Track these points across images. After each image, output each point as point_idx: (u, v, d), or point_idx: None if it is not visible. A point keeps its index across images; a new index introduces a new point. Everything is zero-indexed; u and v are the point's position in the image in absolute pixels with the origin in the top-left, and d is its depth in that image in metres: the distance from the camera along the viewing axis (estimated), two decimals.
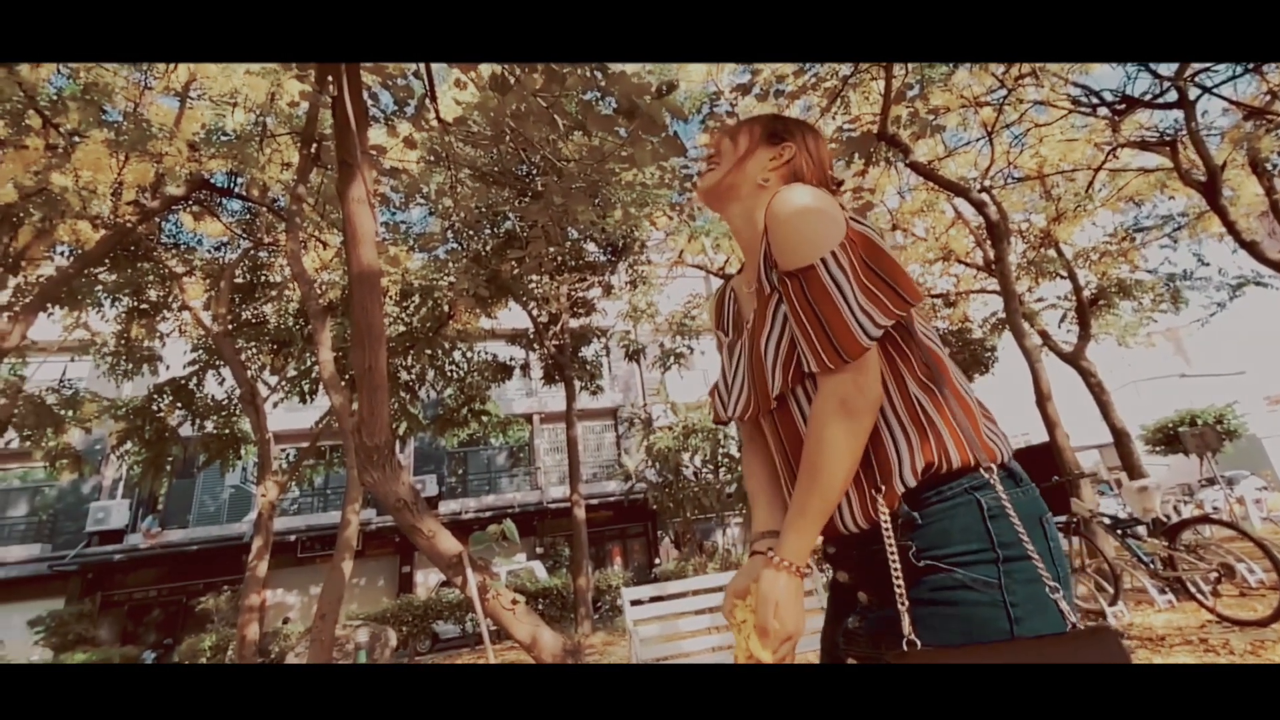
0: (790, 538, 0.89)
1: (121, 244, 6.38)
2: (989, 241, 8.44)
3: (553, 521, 17.82)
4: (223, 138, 5.84)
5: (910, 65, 5.11)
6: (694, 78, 8.58)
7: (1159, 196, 9.38)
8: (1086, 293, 9.97)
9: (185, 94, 5.89)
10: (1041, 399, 6.76)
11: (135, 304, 8.28)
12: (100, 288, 7.64)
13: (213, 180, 6.28)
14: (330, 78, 3.89)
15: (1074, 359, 9.43)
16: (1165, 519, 4.82)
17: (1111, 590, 4.40)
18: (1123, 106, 5.93)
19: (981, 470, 0.86)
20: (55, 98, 4.95)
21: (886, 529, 0.85)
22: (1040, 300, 11.16)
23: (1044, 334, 10.03)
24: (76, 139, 4.90)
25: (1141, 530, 4.66)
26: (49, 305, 6.52)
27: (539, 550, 17.62)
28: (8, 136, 4.64)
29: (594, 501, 16.96)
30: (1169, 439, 17.35)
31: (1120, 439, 8.96)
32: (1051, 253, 9.60)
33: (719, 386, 1.12)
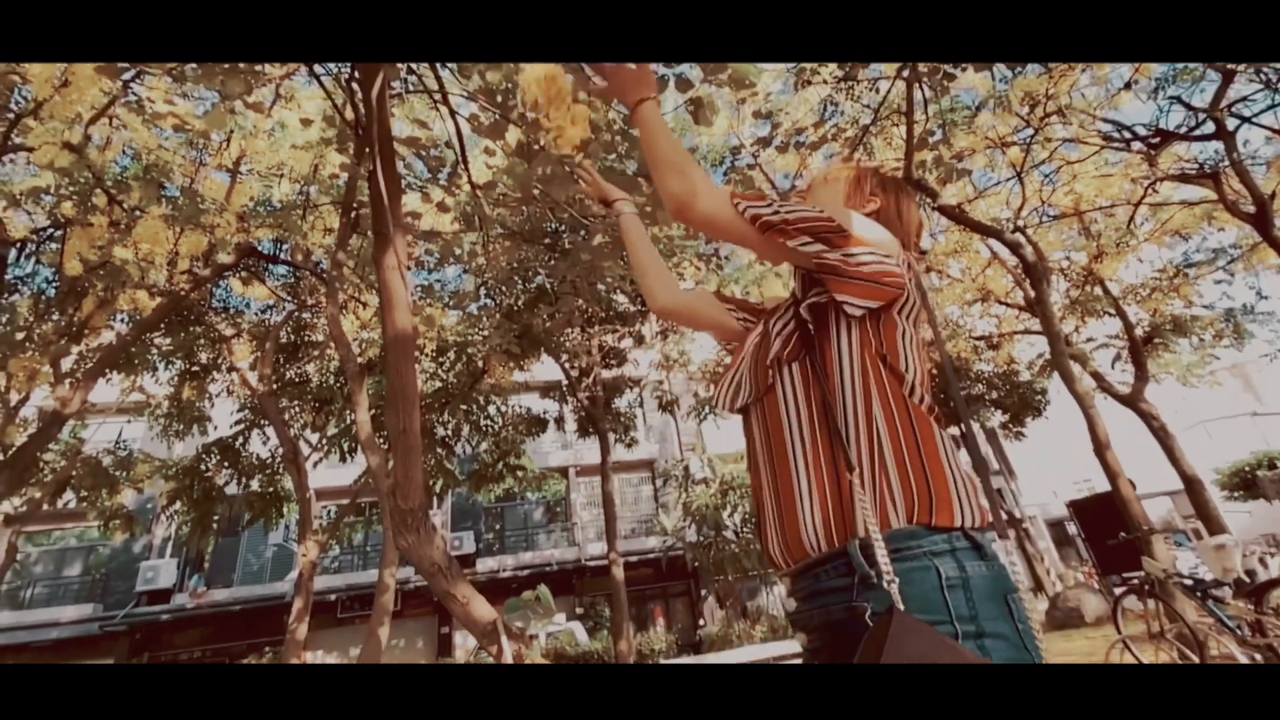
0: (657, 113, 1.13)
1: (175, 310, 6.77)
2: (1028, 281, 8.20)
3: (592, 580, 17.38)
4: (269, 208, 6.24)
5: (930, 110, 5.12)
6: (715, 131, 8.82)
7: (1207, 229, 9.02)
8: (1139, 331, 9.51)
9: (236, 169, 6.35)
10: (1100, 447, 6.35)
11: (187, 366, 8.69)
12: (154, 352, 8.06)
13: (260, 247, 6.67)
14: (366, 150, 4.12)
15: (1132, 401, 8.90)
16: (1249, 578, 4.36)
17: (1196, 659, 3.97)
18: (1157, 140, 5.78)
19: (944, 534, 0.81)
20: (120, 177, 5.40)
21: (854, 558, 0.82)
22: (1089, 340, 10.69)
23: (1097, 376, 9.55)
24: (138, 213, 5.29)
25: (1225, 592, 4.22)
26: (107, 371, 6.88)
27: (579, 610, 17.14)
28: (75, 215, 5.04)
29: (633, 559, 16.52)
30: (1247, 483, 16.07)
31: (1192, 487, 8.31)
32: (1097, 290, 9.25)
33: (723, 376, 1.14)
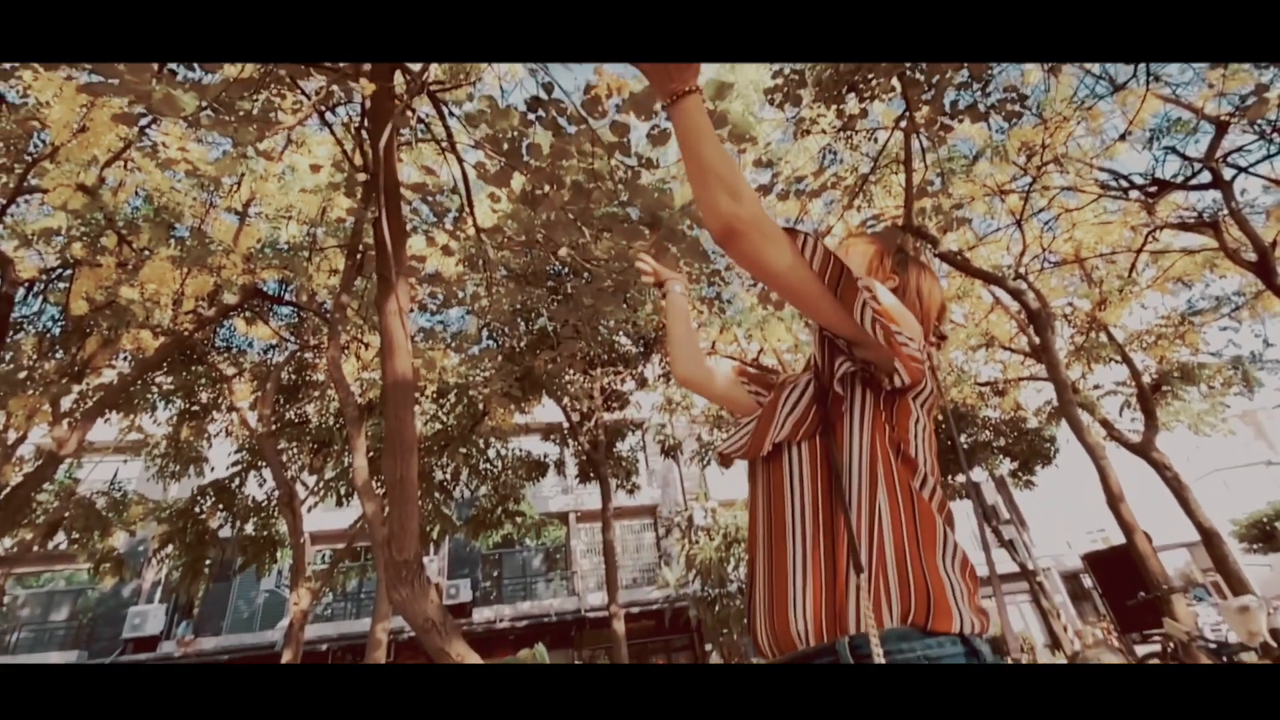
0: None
1: (178, 349, 6.79)
2: (1032, 328, 8.18)
3: (592, 632, 16.79)
4: (276, 249, 6.34)
5: (929, 159, 5.21)
6: None
7: (1209, 276, 9.03)
8: (1147, 378, 9.41)
9: (245, 211, 6.48)
10: (1113, 500, 6.17)
11: (187, 406, 8.66)
12: (155, 391, 8.05)
13: (265, 288, 6.73)
14: (373, 195, 4.20)
15: (1144, 451, 8.72)
16: (1276, 640, 4.13)
17: None
18: (1155, 189, 5.85)
19: (938, 639, 0.77)
20: (131, 218, 5.52)
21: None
22: (1097, 387, 10.58)
23: (1106, 424, 9.40)
24: (147, 253, 5.36)
25: (1251, 656, 3.99)
26: (106, 411, 6.85)
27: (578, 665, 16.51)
28: (85, 256, 5.12)
29: (635, 610, 16.00)
30: (1266, 535, 15.61)
31: (1210, 540, 8.04)
32: (1102, 337, 9.21)
33: (735, 425, 1.13)
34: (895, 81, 4.30)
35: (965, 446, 12.28)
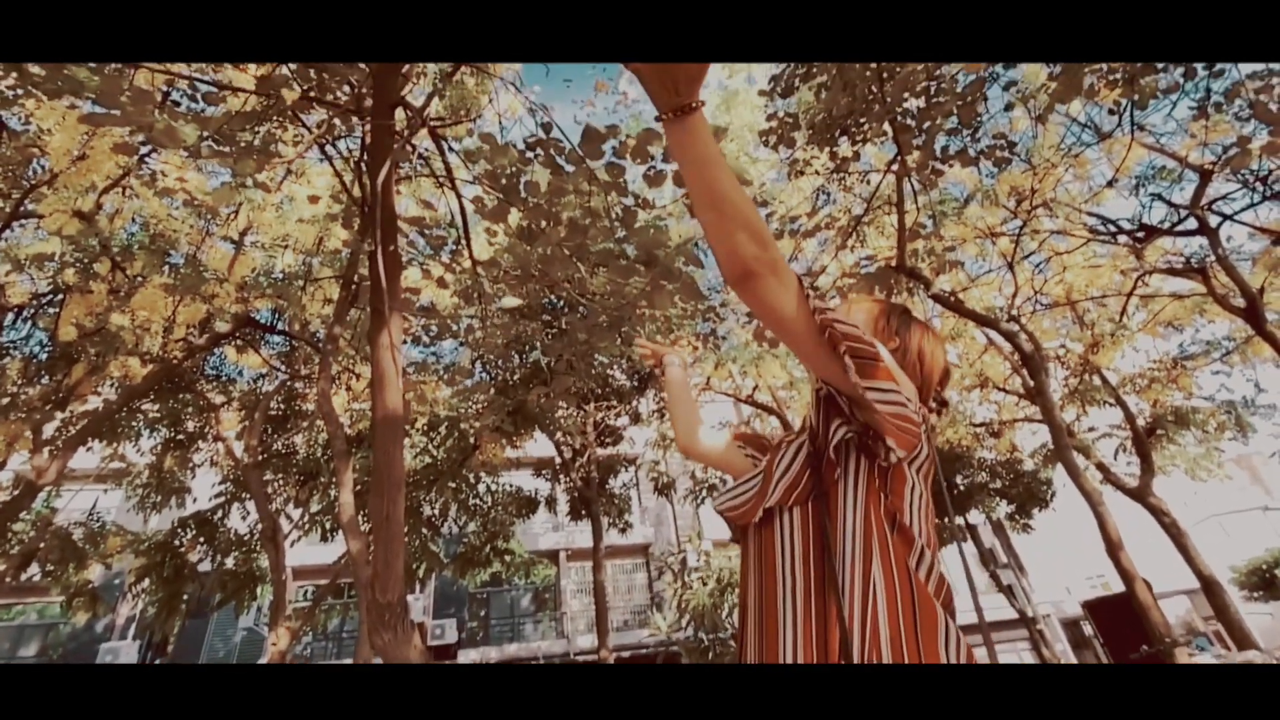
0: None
1: (166, 377, 6.71)
2: (1026, 370, 8.19)
3: None
4: (271, 279, 6.34)
5: (920, 202, 5.29)
6: None
7: (1199, 321, 9.12)
8: (1140, 422, 9.40)
9: (241, 240, 6.49)
10: (1112, 548, 6.06)
11: (172, 435, 8.51)
12: (140, 419, 7.92)
13: (257, 316, 6.70)
14: (370, 227, 4.22)
15: (1140, 496, 8.64)
16: None
17: None
18: (1142, 235, 5.95)
19: None
20: (126, 244, 5.52)
21: None
22: (1092, 429, 10.56)
23: (1103, 468, 9.34)
24: (140, 279, 5.35)
25: None
26: (89, 439, 6.72)
27: None
28: (76, 282, 5.09)
29: (625, 654, 15.54)
30: (1266, 583, 15.39)
31: (1210, 588, 7.90)
32: (1095, 380, 9.23)
33: (730, 485, 1.10)
34: (886, 126, 4.40)
35: (961, 488, 12.16)
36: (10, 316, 6.01)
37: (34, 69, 3.30)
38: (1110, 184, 5.20)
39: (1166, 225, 5.82)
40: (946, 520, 12.95)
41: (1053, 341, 9.67)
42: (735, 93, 9.98)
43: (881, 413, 0.82)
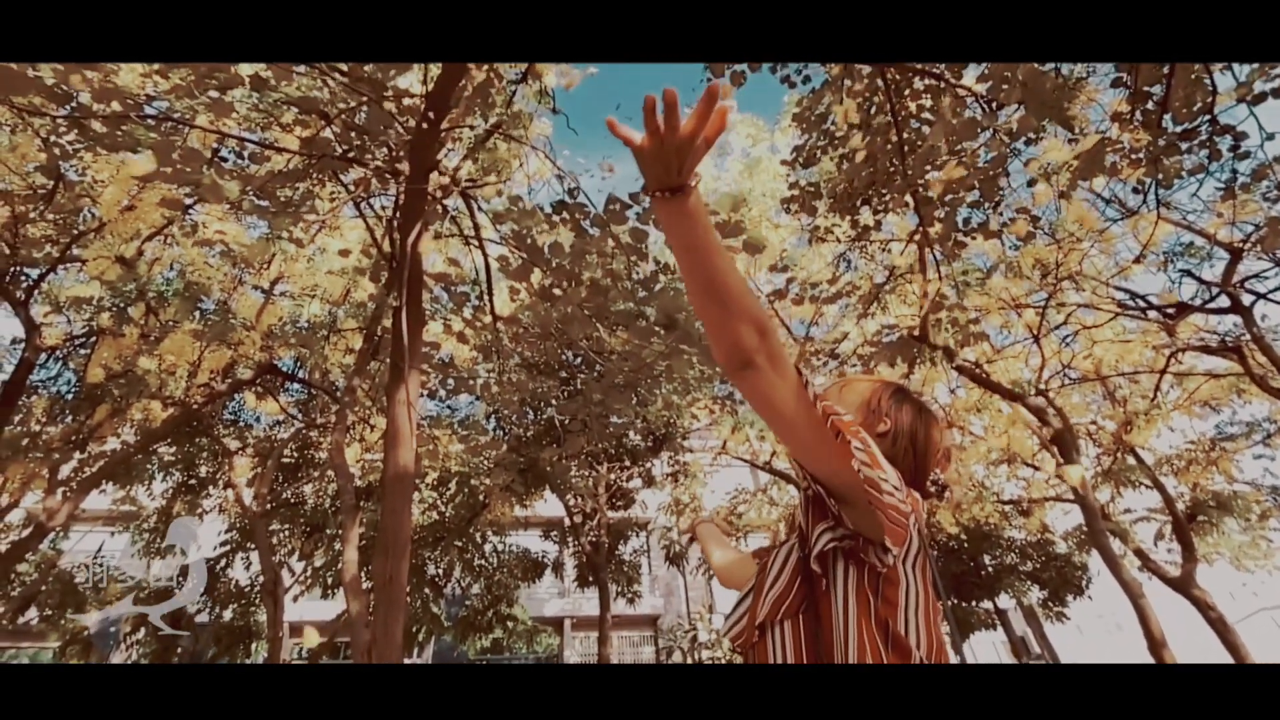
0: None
1: (185, 422, 6.78)
2: (1056, 447, 7.91)
3: None
4: (297, 327, 6.49)
5: (943, 271, 5.28)
6: None
7: (1237, 401, 8.80)
8: (1180, 505, 8.93)
9: (271, 290, 6.69)
10: (1155, 646, 5.62)
11: (185, 479, 8.51)
12: (155, 462, 7.95)
13: (279, 364, 6.80)
14: (397, 284, 4.31)
15: (1183, 587, 8.09)
16: None
17: None
18: (1173, 311, 5.84)
19: None
20: (161, 290, 5.71)
21: None
22: (1128, 511, 10.06)
23: (1141, 554, 8.82)
24: (172, 324, 5.49)
25: None
26: (103, 481, 6.74)
27: None
28: (110, 325, 5.24)
29: None
30: None
31: None
32: (1130, 459, 8.87)
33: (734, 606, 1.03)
34: (908, 197, 4.45)
35: (989, 569, 11.56)
36: (43, 356, 6.17)
37: (97, 126, 3.50)
38: (1138, 259, 5.15)
39: (1198, 302, 5.71)
40: (975, 604, 12.27)
41: (1083, 417, 9.38)
42: (758, 160, 10.29)
43: (880, 503, 0.75)
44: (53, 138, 3.84)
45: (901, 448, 0.96)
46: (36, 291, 5.35)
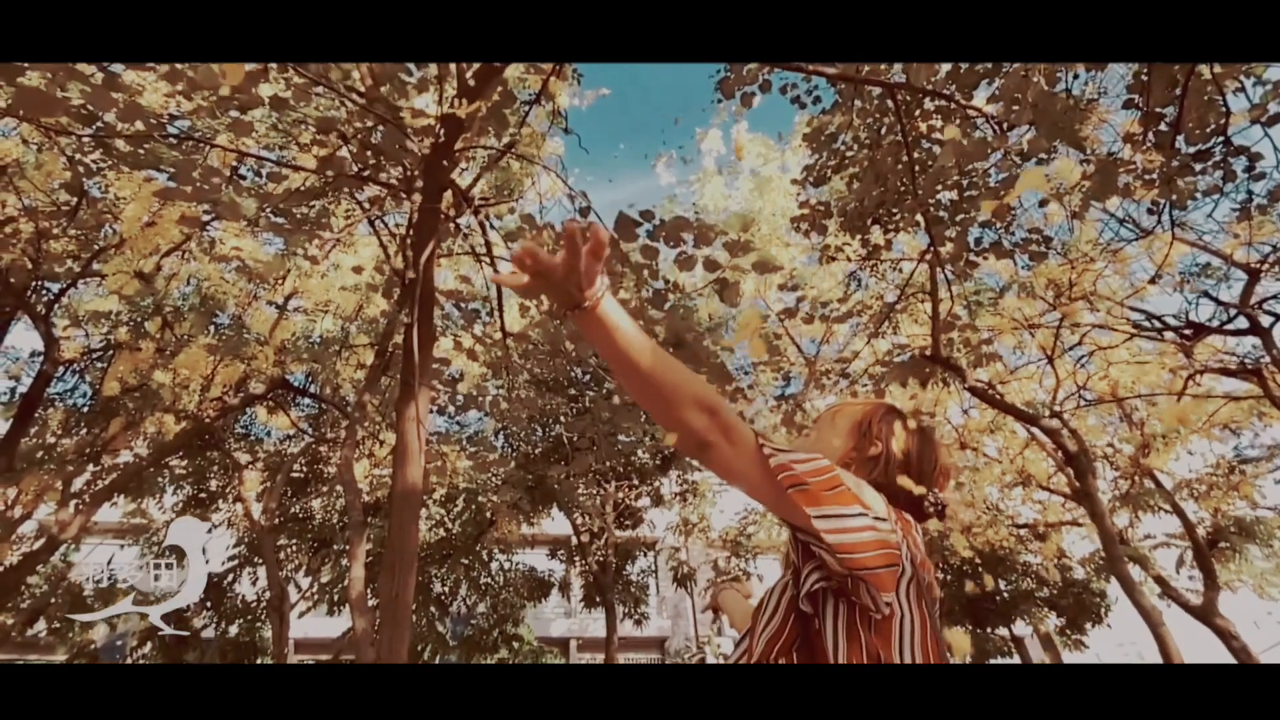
0: (619, 309, 0.77)
1: (196, 435, 6.84)
2: (1071, 470, 7.77)
3: None
4: (309, 342, 6.56)
5: (955, 291, 5.26)
6: (743, 290, 9.18)
7: (1257, 424, 8.63)
8: (1201, 531, 8.71)
9: (285, 305, 6.78)
10: None
11: (195, 492, 8.55)
12: (165, 475, 8.01)
13: (291, 378, 6.86)
14: (409, 301, 4.35)
15: (1205, 616, 7.85)
16: None
17: None
18: (1190, 332, 5.75)
19: None
20: (178, 305, 5.81)
21: None
22: (1148, 537, 9.83)
23: (1162, 582, 8.59)
24: (188, 338, 5.57)
25: None
26: (116, 494, 6.80)
27: None
28: (127, 340, 5.33)
29: None
30: None
31: None
32: (1148, 483, 8.69)
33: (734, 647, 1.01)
34: (919, 217, 4.45)
35: (1005, 595, 11.31)
36: (60, 369, 6.26)
37: (121, 145, 3.59)
38: (1153, 280, 5.10)
39: (1215, 323, 5.62)
40: (990, 631, 11.98)
41: (1100, 439, 9.22)
42: (768, 179, 10.34)
43: (855, 563, 0.73)
44: (78, 156, 3.94)
45: (894, 470, 0.95)
46: (57, 305, 5.47)
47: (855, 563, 0.73)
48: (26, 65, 2.58)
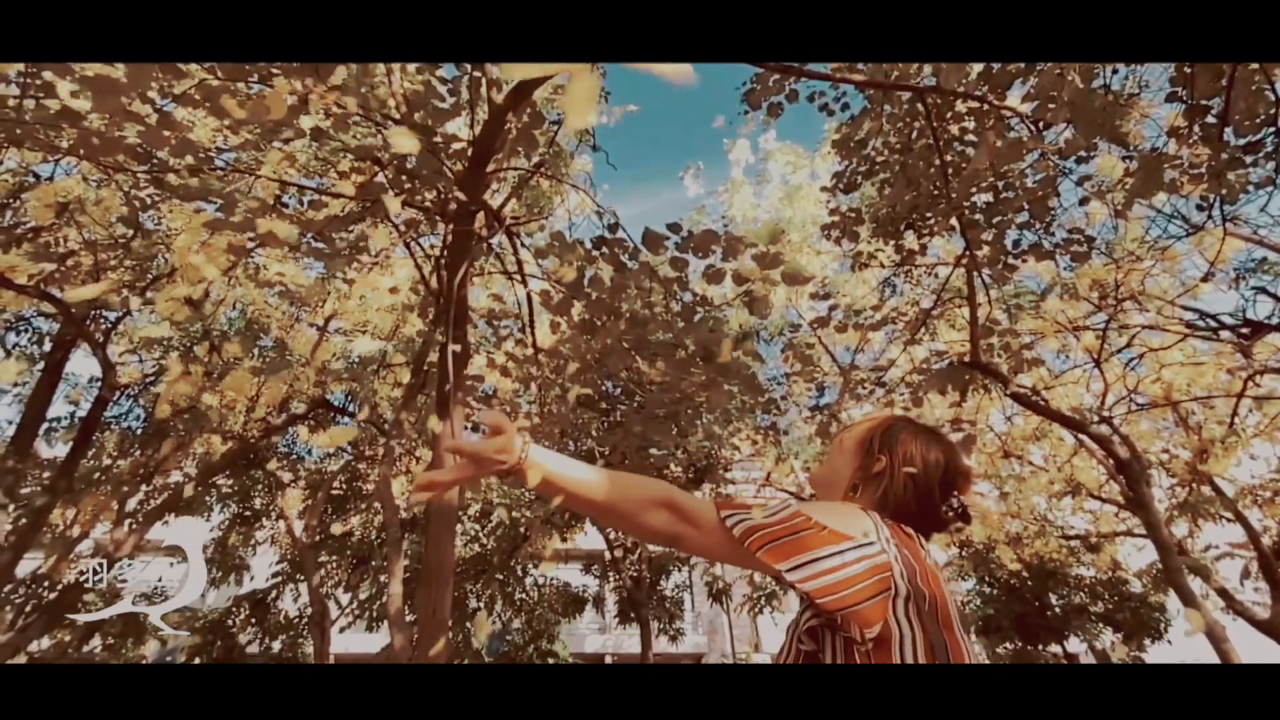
0: (552, 458, 0.86)
1: (242, 454, 7.06)
2: (1123, 478, 7.44)
3: None
4: (349, 363, 6.74)
5: (993, 295, 5.12)
6: (773, 301, 9.08)
7: None
8: (1266, 540, 8.23)
9: (325, 327, 6.99)
10: None
11: (240, 510, 8.80)
12: (213, 494, 8.27)
13: (331, 398, 7.04)
14: (443, 321, 4.44)
15: (1273, 630, 7.40)
16: None
17: None
18: (1248, 331, 5.49)
19: None
20: (225, 329, 6.05)
21: None
22: (1210, 547, 9.33)
23: (1225, 594, 8.14)
24: (235, 360, 5.78)
25: None
26: (167, 513, 7.06)
27: None
28: (179, 365, 5.57)
29: None
30: None
31: None
32: (1207, 490, 8.26)
33: None
34: (954, 220, 4.36)
35: (1056, 609, 10.84)
36: (116, 394, 6.55)
37: (173, 178, 3.76)
38: (1206, 277, 4.88)
39: (1275, 320, 5.36)
40: (1042, 647, 11.48)
41: (1154, 444, 8.81)
42: (798, 187, 10.28)
43: (835, 604, 0.77)
44: (133, 191, 4.15)
45: (901, 481, 0.94)
46: (114, 332, 5.74)
47: (834, 604, 0.76)
48: (89, 110, 2.73)
